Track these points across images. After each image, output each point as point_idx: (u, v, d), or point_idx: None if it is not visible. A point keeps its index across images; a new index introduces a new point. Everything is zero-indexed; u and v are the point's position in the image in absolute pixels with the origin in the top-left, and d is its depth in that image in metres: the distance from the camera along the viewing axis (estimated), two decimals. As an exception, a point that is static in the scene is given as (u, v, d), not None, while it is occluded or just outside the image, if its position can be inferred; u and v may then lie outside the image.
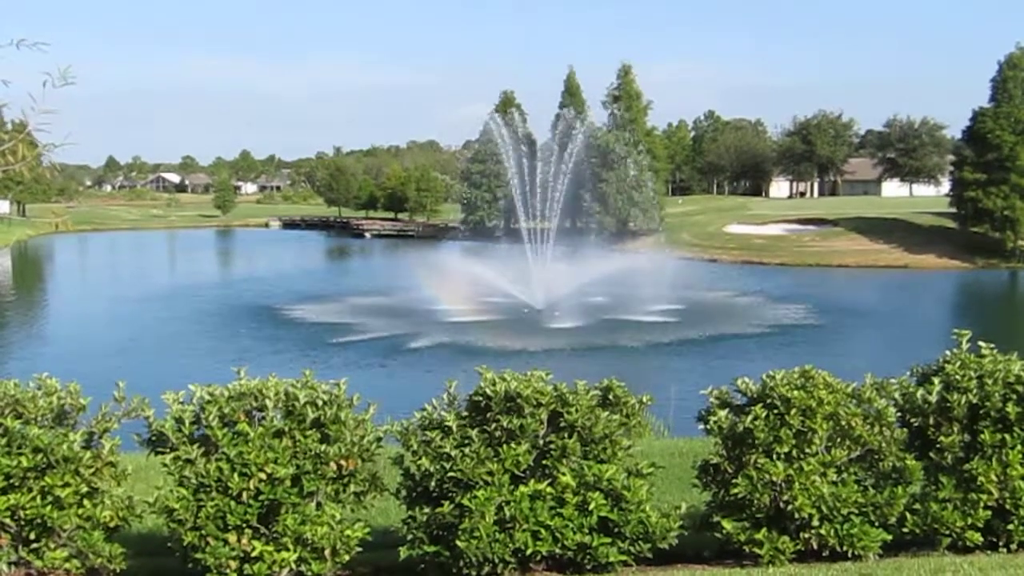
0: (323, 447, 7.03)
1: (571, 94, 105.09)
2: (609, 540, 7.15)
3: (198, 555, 6.72)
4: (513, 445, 7.20)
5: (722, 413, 7.70)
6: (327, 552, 6.84)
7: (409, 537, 7.27)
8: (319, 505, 7.04)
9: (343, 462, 7.05)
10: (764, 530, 7.43)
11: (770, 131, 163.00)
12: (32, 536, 7.00)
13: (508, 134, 69.78)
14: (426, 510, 7.25)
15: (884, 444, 7.67)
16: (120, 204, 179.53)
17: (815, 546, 7.47)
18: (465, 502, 7.01)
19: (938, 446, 7.80)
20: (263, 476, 6.79)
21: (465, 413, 7.49)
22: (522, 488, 7.12)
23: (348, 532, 6.93)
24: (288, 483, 6.86)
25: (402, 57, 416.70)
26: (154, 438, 7.23)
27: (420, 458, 7.27)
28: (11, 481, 6.92)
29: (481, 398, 7.42)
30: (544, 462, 7.31)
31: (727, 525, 7.48)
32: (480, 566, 6.98)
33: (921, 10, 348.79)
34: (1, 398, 7.28)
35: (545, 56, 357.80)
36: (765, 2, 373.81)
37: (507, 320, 45.12)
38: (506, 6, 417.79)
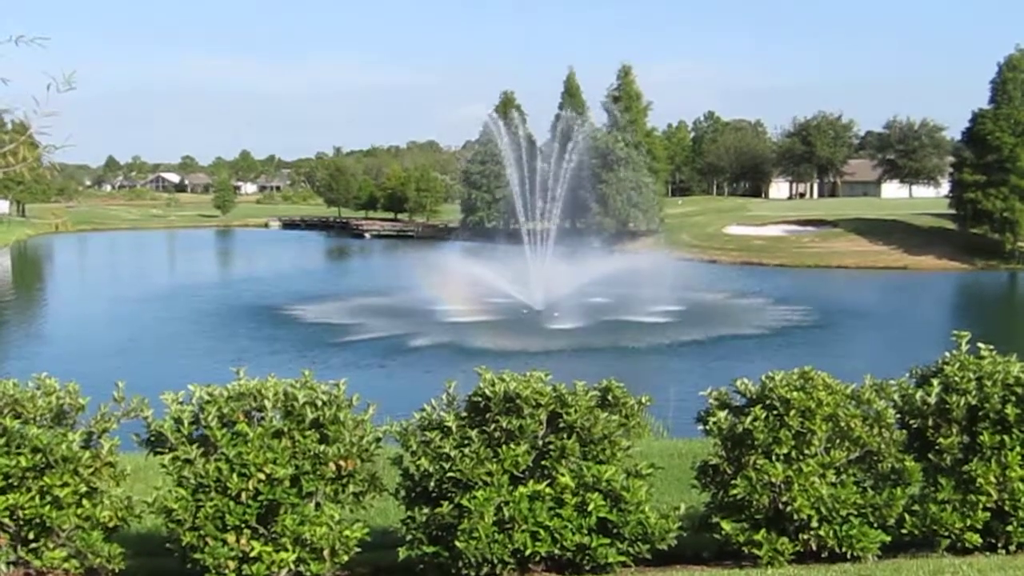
0: (322, 447, 7.03)
1: (571, 95, 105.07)
2: (608, 541, 7.15)
3: (197, 555, 6.72)
4: (512, 446, 7.20)
5: (721, 414, 7.70)
6: (326, 552, 6.84)
7: (408, 537, 7.27)
8: (318, 505, 7.04)
9: (342, 462, 7.05)
10: (763, 531, 7.43)
11: (770, 132, 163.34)
12: (31, 536, 7.00)
13: (508, 135, 69.76)
14: (425, 510, 7.25)
15: (883, 445, 7.67)
16: (120, 204, 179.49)
17: (814, 547, 7.47)
18: (464, 502, 7.01)
19: (937, 447, 7.80)
20: (262, 476, 6.78)
21: (464, 413, 7.49)
22: (521, 489, 7.12)
23: (347, 532, 6.93)
24: (287, 483, 6.86)
25: (402, 57, 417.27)
26: (153, 438, 7.23)
27: (419, 458, 7.27)
28: (10, 481, 6.92)
29: (480, 399, 7.42)
30: (543, 463, 7.31)
31: (726, 526, 7.48)
32: (479, 567, 6.98)
33: (921, 11, 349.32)
34: (0, 398, 7.28)
35: (545, 56, 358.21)
36: (765, 3, 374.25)
37: (506, 321, 45.12)
38: (506, 6, 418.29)
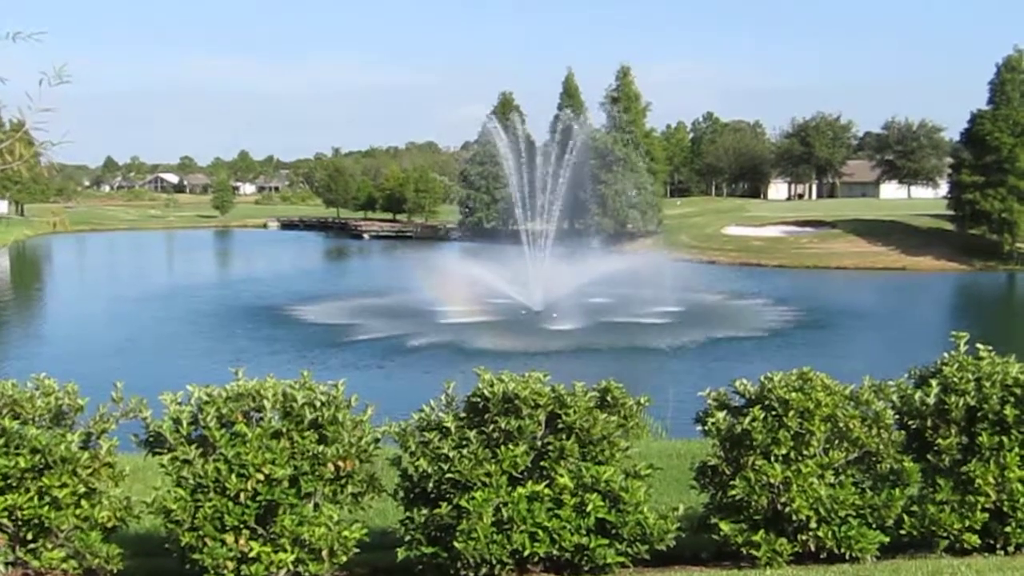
0: (321, 448, 7.03)
1: (570, 95, 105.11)
2: (607, 541, 7.15)
3: (196, 556, 6.72)
4: (511, 446, 7.20)
5: (720, 415, 7.70)
6: (324, 553, 6.84)
7: (407, 538, 7.26)
8: (317, 506, 7.03)
9: (341, 463, 7.05)
10: (762, 532, 7.43)
11: (769, 133, 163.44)
12: (29, 536, 7.00)
13: (507, 135, 69.77)
14: (424, 511, 7.25)
15: (882, 446, 7.67)
16: (118, 204, 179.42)
17: (812, 548, 7.47)
18: (463, 503, 7.01)
19: (936, 448, 7.81)
20: (261, 477, 6.78)
21: (463, 414, 7.48)
22: (520, 489, 7.12)
23: (346, 533, 6.93)
24: (286, 484, 6.86)
25: (402, 57, 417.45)
26: (152, 439, 7.23)
27: (418, 459, 7.27)
28: (8, 481, 6.91)
29: (479, 399, 7.42)
30: (542, 463, 7.31)
31: (725, 527, 7.48)
32: (478, 567, 6.98)
33: (920, 12, 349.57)
34: (-1, 398, 7.28)
35: (544, 57, 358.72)
36: (764, 3, 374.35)
37: (505, 321, 45.11)
38: (506, 6, 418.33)
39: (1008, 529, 7.68)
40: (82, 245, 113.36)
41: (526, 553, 7.02)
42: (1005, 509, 7.65)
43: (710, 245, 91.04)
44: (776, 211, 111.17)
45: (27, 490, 6.92)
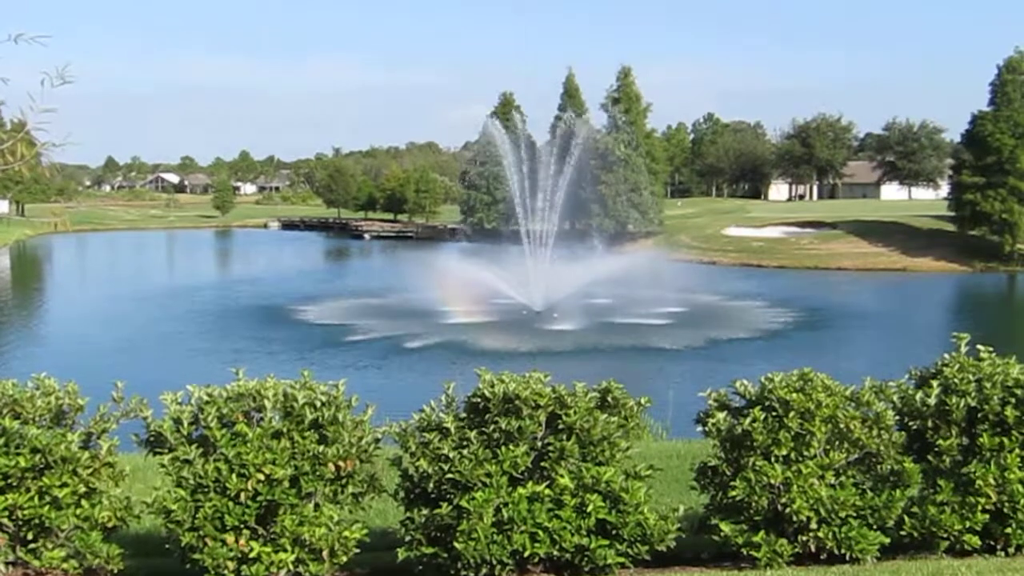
0: (321, 448, 7.03)
1: (570, 96, 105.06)
2: (607, 542, 7.14)
3: (196, 556, 6.72)
4: (511, 447, 7.20)
5: (720, 415, 7.70)
6: (325, 553, 6.84)
7: (407, 538, 7.26)
8: (317, 506, 7.03)
9: (341, 463, 7.05)
10: (762, 533, 7.43)
11: (769, 134, 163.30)
12: (30, 536, 7.00)
13: (507, 136, 69.76)
14: (424, 511, 7.25)
15: (882, 447, 7.67)
16: (119, 204, 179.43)
17: (813, 549, 7.47)
18: (463, 504, 7.01)
19: (936, 449, 7.81)
20: (261, 477, 6.78)
21: (463, 415, 7.48)
22: (520, 490, 7.12)
23: (346, 533, 6.93)
24: (286, 484, 6.86)
25: (402, 57, 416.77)
26: (152, 438, 7.23)
27: (418, 459, 7.27)
28: (9, 481, 6.91)
29: (479, 400, 7.42)
30: (542, 464, 7.31)
31: (725, 528, 7.48)
32: (478, 568, 6.98)
33: (920, 13, 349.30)
34: (-1, 398, 7.28)
35: (545, 57, 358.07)
36: (764, 4, 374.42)
37: (506, 322, 45.13)
38: (506, 6, 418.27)
39: (1008, 530, 7.68)
40: (83, 245, 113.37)
41: (526, 554, 7.02)
42: (1006, 510, 7.64)
43: (711, 246, 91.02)
44: (777, 212, 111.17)
45: (27, 490, 6.92)
